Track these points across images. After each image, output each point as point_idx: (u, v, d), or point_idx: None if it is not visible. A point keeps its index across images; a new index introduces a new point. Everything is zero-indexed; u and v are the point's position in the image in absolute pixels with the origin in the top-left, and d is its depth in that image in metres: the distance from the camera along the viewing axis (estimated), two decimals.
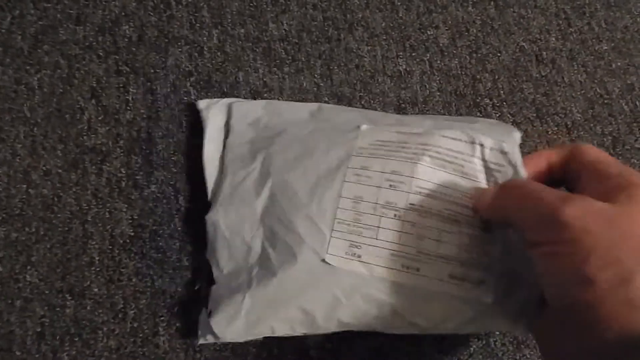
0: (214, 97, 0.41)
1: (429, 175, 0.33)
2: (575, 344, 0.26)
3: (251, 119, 0.39)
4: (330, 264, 0.32)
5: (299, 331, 0.33)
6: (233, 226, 0.34)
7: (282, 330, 0.33)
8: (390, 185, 0.33)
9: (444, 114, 0.43)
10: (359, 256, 0.32)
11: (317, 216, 0.33)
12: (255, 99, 0.42)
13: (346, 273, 0.32)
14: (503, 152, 0.33)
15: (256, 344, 0.36)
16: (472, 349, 0.37)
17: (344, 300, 0.32)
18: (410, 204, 0.33)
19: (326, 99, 0.42)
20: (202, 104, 0.40)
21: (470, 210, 0.32)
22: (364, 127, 0.36)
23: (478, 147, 0.33)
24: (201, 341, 0.34)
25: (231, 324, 0.32)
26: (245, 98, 0.42)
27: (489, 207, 0.31)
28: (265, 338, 0.34)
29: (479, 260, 0.32)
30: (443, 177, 0.33)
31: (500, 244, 0.32)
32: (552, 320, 0.28)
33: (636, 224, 0.25)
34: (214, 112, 0.39)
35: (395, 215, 0.32)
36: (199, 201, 0.38)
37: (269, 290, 0.32)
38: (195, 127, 0.40)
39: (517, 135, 0.34)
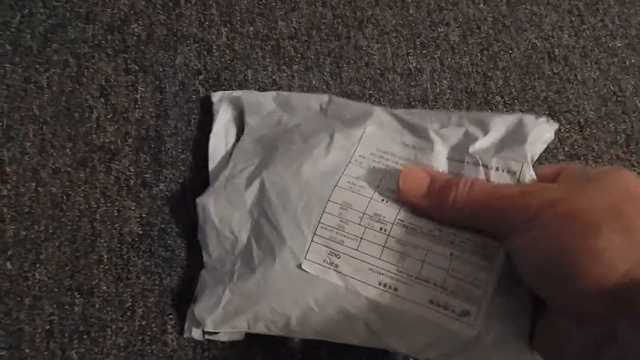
0: None
1: None
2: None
3: (265, 113, 0.38)
4: (307, 271, 0.31)
5: (275, 332, 0.32)
6: (223, 214, 0.34)
7: (258, 328, 0.32)
8: (383, 200, 0.32)
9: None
10: (337, 266, 0.31)
11: (302, 218, 0.32)
12: None
13: (322, 281, 0.31)
14: (510, 172, 0.32)
15: (263, 344, 0.35)
16: None
17: (316, 309, 0.31)
18: (400, 219, 0.31)
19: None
20: (215, 96, 0.40)
21: (466, 233, 0.31)
22: (369, 129, 0.35)
23: (482, 170, 0.32)
24: (186, 334, 0.34)
25: (211, 312, 0.32)
26: None
27: (454, 209, 0.30)
28: (273, 338, 0.34)
29: (466, 289, 0.30)
30: None
31: (495, 272, 0.30)
32: (554, 321, 0.27)
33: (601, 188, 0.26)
34: (225, 106, 0.39)
35: (381, 228, 0.31)
36: None
37: (247, 286, 0.32)
38: (204, 125, 0.40)
39: (530, 150, 0.32)
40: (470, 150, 0.33)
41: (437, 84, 0.43)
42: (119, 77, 0.41)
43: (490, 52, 0.45)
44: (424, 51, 0.44)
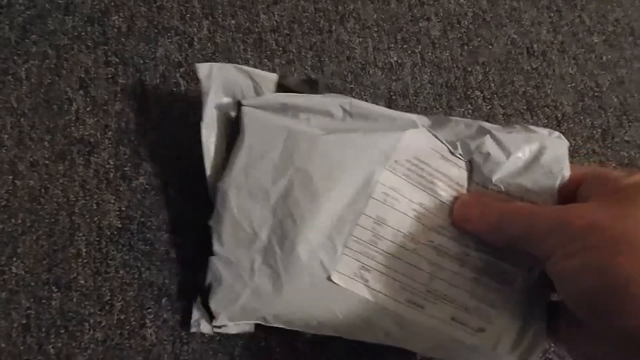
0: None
1: (452, 217, 0.32)
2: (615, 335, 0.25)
3: (272, 101, 0.33)
4: (335, 282, 0.30)
5: (293, 328, 0.32)
6: (243, 207, 0.31)
7: (275, 323, 0.32)
8: (415, 216, 0.31)
9: (437, 108, 0.42)
10: (367, 280, 0.31)
11: (334, 228, 0.31)
12: None
13: (350, 293, 0.31)
14: (533, 201, 0.32)
15: (244, 337, 0.35)
16: None
17: (341, 318, 0.31)
18: (430, 241, 0.31)
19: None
20: (202, 69, 0.33)
21: (492, 260, 0.31)
22: (409, 131, 0.32)
23: (505, 197, 0.32)
24: (193, 329, 0.33)
25: (228, 308, 0.31)
26: None
27: (491, 230, 0.30)
28: (254, 331, 0.33)
29: (484, 309, 0.31)
30: None
31: (511, 297, 0.32)
32: (596, 342, 0.27)
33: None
34: (215, 86, 0.34)
35: (414, 249, 0.31)
36: (187, 193, 0.37)
37: (269, 289, 0.31)
38: (186, 119, 0.39)
39: (552, 176, 0.31)
40: (494, 178, 0.32)
41: (418, 78, 0.43)
42: (98, 69, 0.40)
43: (471, 47, 0.44)
44: (405, 46, 0.44)
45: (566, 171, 0.31)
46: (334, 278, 0.30)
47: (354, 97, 0.41)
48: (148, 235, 0.36)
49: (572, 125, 0.43)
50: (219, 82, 0.34)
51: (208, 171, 0.33)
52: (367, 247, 0.31)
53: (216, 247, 0.32)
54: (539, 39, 0.46)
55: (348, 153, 0.31)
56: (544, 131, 0.34)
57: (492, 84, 0.43)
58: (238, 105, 0.33)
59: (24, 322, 0.34)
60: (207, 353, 0.34)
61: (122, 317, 0.34)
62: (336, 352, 0.35)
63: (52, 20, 0.41)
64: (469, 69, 0.44)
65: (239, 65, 0.34)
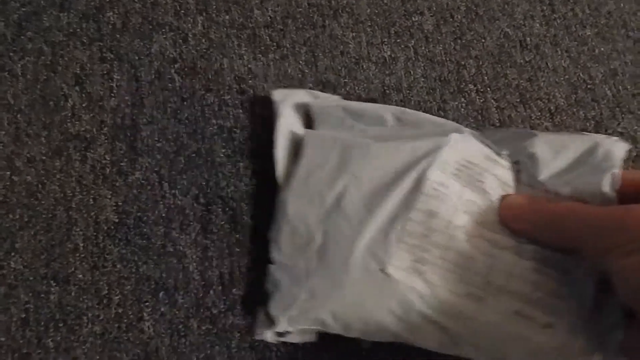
0: (198, 85, 0.40)
1: None
2: None
3: (334, 119, 0.36)
4: (391, 275, 0.30)
5: (352, 334, 0.32)
6: (300, 211, 0.32)
7: (334, 329, 0.32)
8: (465, 212, 0.31)
9: (431, 101, 0.42)
10: (423, 273, 0.30)
11: (386, 223, 0.31)
12: (239, 85, 0.40)
13: (406, 288, 0.30)
14: (582, 199, 0.31)
15: (240, 328, 0.35)
16: None
17: (399, 314, 0.30)
18: (482, 233, 0.31)
19: (311, 85, 0.41)
20: (277, 95, 0.37)
21: (547, 250, 0.30)
22: (454, 135, 0.33)
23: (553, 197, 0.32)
24: (257, 336, 0.33)
25: (286, 311, 0.31)
26: (230, 85, 0.40)
27: (544, 230, 0.30)
28: None
29: (549, 302, 0.30)
30: None
31: (577, 287, 0.30)
32: None
33: None
34: (288, 109, 0.37)
35: (467, 240, 0.31)
36: (183, 187, 0.37)
37: (326, 286, 0.31)
38: (181, 114, 0.39)
39: (603, 176, 0.30)
40: (541, 177, 0.32)
41: (411, 72, 0.43)
42: (94, 65, 0.40)
43: (464, 41, 0.44)
44: (398, 40, 0.44)
45: (616, 168, 0.30)
46: (390, 271, 0.30)
47: (347, 91, 0.41)
48: (145, 230, 0.36)
49: (565, 117, 0.43)
50: (291, 105, 0.37)
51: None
52: (420, 240, 0.31)
53: (274, 255, 0.33)
54: (531, 32, 0.45)
55: (399, 157, 0.32)
56: (602, 136, 0.33)
57: (485, 78, 0.43)
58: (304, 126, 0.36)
59: (23, 316, 0.34)
60: (205, 346, 0.34)
61: (120, 310, 0.34)
62: (328, 343, 0.35)
63: (47, 17, 0.41)
64: (462, 62, 0.43)
65: (309, 90, 0.38)
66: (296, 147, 0.35)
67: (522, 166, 0.33)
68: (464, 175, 0.32)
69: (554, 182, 0.32)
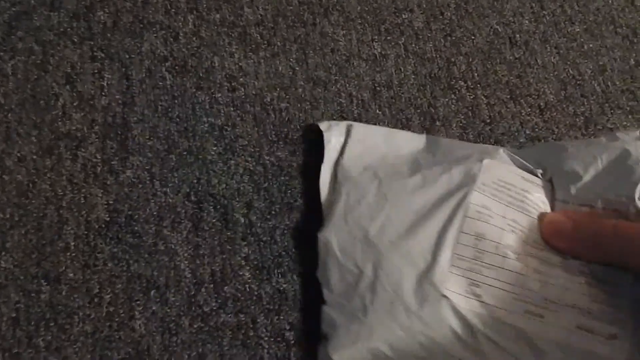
0: (189, 83, 0.39)
1: None
2: None
3: (369, 144, 0.37)
4: (449, 300, 0.30)
5: None
6: (345, 247, 0.33)
7: (391, 359, 0.31)
8: (512, 231, 0.31)
9: (422, 98, 0.42)
10: (479, 295, 0.30)
11: (436, 249, 0.31)
12: (230, 83, 0.40)
13: (466, 311, 0.30)
14: (617, 211, 0.30)
15: (232, 327, 0.34)
16: None
17: (463, 339, 0.30)
18: (530, 252, 0.31)
19: (302, 83, 0.41)
20: (323, 125, 0.37)
21: (592, 264, 0.30)
22: (486, 160, 0.34)
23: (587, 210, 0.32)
24: None
25: (347, 351, 0.31)
26: (221, 83, 0.40)
27: (587, 248, 0.30)
28: (242, 319, 0.33)
29: (608, 313, 0.29)
30: None
31: (628, 297, 0.30)
32: None
33: None
34: (336, 137, 0.37)
35: (517, 259, 0.31)
36: (174, 185, 0.36)
37: (384, 321, 0.31)
38: (172, 112, 0.38)
39: (637, 183, 0.30)
40: (573, 191, 0.32)
41: (402, 69, 0.42)
42: (84, 64, 0.39)
43: (453, 38, 0.44)
44: (388, 37, 0.43)
45: None
46: (448, 296, 0.30)
47: (339, 88, 0.41)
48: (136, 228, 0.36)
49: (555, 113, 0.43)
50: (338, 134, 0.37)
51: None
52: (472, 263, 0.31)
53: (326, 295, 0.32)
54: (521, 29, 0.45)
55: (438, 185, 0.33)
56: (629, 136, 0.33)
57: (475, 74, 0.43)
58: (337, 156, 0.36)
59: (14, 315, 0.33)
60: (196, 344, 0.34)
61: (111, 309, 0.34)
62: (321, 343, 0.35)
63: (37, 16, 0.40)
64: (452, 59, 0.43)
65: (350, 122, 0.38)
66: (336, 174, 0.36)
67: (556, 183, 0.33)
68: (503, 196, 0.33)
69: (586, 196, 0.32)
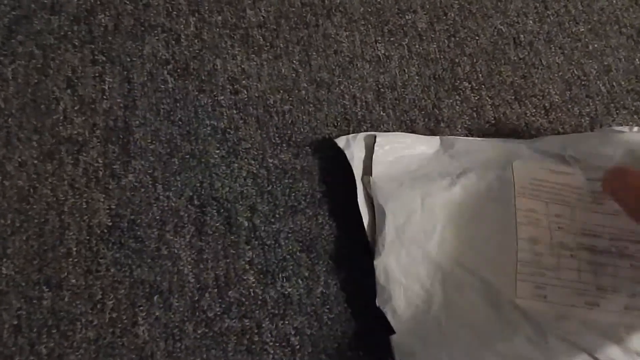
0: (191, 86, 0.39)
1: (588, 217, 0.33)
2: None
3: (392, 155, 0.36)
4: (521, 307, 0.31)
5: None
6: (408, 270, 0.32)
7: None
8: (559, 227, 0.33)
9: (426, 99, 0.41)
10: (545, 297, 0.31)
11: (499, 259, 0.32)
12: (233, 86, 0.39)
13: (534, 314, 0.31)
14: None
15: (237, 332, 0.34)
16: None
17: (535, 341, 0.31)
18: (580, 243, 0.32)
19: (305, 85, 0.40)
20: (341, 142, 0.36)
21: (636, 245, 0.32)
22: (516, 163, 0.35)
23: None
24: None
25: None
26: (223, 86, 0.39)
27: None
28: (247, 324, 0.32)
29: None
30: (600, 218, 0.33)
31: None
32: None
33: None
34: (358, 152, 0.36)
35: (571, 255, 0.32)
36: (177, 189, 0.36)
37: (466, 340, 0.31)
38: (174, 115, 0.38)
39: None
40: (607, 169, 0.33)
41: (406, 70, 0.42)
42: (85, 68, 0.39)
43: (457, 39, 0.43)
44: (392, 38, 0.43)
45: None
46: (519, 303, 0.31)
47: (342, 90, 0.40)
48: (138, 233, 0.35)
49: (560, 114, 0.42)
50: (358, 149, 0.36)
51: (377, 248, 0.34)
52: (533, 267, 0.32)
53: (394, 322, 0.32)
54: (525, 30, 0.45)
55: (479, 194, 0.34)
56: None
57: (480, 75, 0.42)
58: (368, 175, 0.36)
59: (15, 322, 0.33)
60: (201, 350, 0.33)
61: (114, 315, 0.33)
62: (326, 347, 0.34)
63: (37, 20, 0.40)
64: (457, 60, 0.43)
65: (364, 133, 0.37)
66: (368, 193, 0.35)
67: (586, 166, 0.35)
68: (541, 194, 0.34)
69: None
